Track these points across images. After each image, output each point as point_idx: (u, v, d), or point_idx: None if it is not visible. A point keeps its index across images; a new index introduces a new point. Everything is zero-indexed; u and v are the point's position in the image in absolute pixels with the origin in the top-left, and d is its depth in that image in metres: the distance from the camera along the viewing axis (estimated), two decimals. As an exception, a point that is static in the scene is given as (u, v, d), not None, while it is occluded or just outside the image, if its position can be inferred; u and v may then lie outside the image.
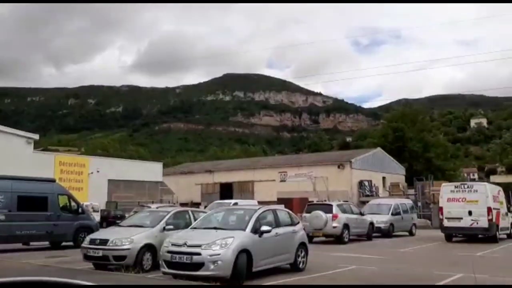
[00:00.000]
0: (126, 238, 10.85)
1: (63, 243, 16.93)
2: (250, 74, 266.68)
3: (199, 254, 8.85)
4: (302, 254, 11.27)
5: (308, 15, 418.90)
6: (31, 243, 16.70)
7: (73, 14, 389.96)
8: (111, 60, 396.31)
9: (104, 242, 10.93)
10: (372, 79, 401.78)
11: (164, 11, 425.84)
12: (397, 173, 50.56)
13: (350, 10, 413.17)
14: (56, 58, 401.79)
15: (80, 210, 17.65)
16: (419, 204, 36.41)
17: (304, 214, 20.07)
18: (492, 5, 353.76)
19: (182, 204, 38.60)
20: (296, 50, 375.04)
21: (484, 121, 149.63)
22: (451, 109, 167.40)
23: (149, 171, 44.98)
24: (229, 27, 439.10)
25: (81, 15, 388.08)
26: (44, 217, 16.01)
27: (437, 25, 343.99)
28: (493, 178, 45.45)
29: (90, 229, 16.15)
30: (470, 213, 19.31)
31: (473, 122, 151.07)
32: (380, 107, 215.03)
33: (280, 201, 34.26)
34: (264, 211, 10.85)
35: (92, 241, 11.21)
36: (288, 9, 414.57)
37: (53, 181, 18.47)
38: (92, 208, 29.78)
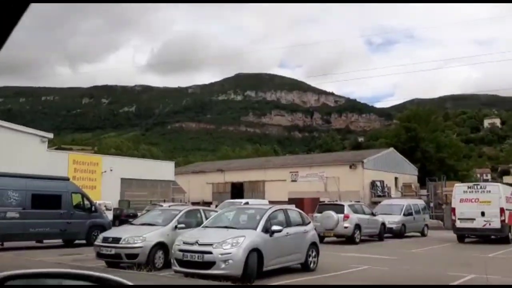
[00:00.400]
0: (138, 236, 10.95)
1: (76, 241, 17.11)
2: (262, 74, 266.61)
3: (210, 252, 8.92)
4: (313, 254, 11.28)
5: (321, 14, 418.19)
6: (44, 241, 16.90)
7: (88, 14, 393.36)
8: (125, 60, 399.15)
9: (116, 240, 11.04)
10: (385, 79, 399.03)
11: (178, 11, 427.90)
12: (409, 174, 50.21)
13: (363, 9, 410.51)
14: (70, 58, 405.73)
15: (93, 208, 17.82)
16: (432, 204, 36.15)
17: (315, 214, 20.04)
18: (506, 4, 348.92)
19: (194, 203, 38.76)
20: (308, 50, 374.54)
21: (497, 121, 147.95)
22: (465, 109, 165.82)
23: (161, 170, 45.22)
24: (242, 26, 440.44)
25: (96, 15, 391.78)
26: (57, 215, 16.19)
27: (450, 24, 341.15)
28: (506, 178, 44.95)
29: (103, 228, 16.30)
30: (483, 214, 19.15)
31: (486, 122, 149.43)
32: (393, 107, 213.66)
33: (291, 201, 34.22)
34: (275, 210, 10.88)
35: (105, 239, 11.32)
36: (301, 9, 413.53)
37: (66, 179, 18.66)
38: (105, 206, 30.01)
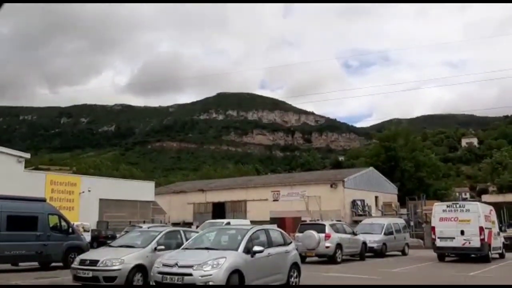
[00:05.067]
0: (116, 258, 10.74)
1: (53, 264, 16.69)
2: (243, 93, 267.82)
3: (190, 274, 8.76)
4: (295, 274, 11.20)
5: (299, 38, 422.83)
6: (20, 263, 16.44)
7: (72, 35, 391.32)
8: (106, 81, 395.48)
9: (94, 262, 10.81)
10: (363, 99, 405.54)
11: (159, 33, 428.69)
12: (389, 193, 50.61)
13: (338, 33, 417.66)
14: (51, 79, 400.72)
15: (70, 230, 17.43)
16: (412, 223, 36.39)
17: (297, 234, 19.97)
18: (477, 28, 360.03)
19: (174, 224, 38.32)
20: (288, 71, 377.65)
21: (475, 141, 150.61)
22: (442, 129, 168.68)
23: (141, 190, 44.70)
24: (223, 49, 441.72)
25: (79, 36, 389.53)
26: (34, 237, 15.80)
27: (423, 47, 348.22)
28: (484, 197, 45.59)
29: (80, 250, 15.95)
30: (462, 232, 19.31)
31: (464, 142, 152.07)
32: (372, 127, 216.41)
33: (272, 220, 34.13)
34: (257, 230, 10.80)
35: (82, 262, 11.07)
36: (279, 32, 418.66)
37: (43, 200, 18.26)
38: (83, 228, 29.45)
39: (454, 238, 19.45)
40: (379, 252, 22.46)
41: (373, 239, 22.43)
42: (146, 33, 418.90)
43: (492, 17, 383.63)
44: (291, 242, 12.01)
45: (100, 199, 40.00)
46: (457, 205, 20.34)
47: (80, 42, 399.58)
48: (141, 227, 20.84)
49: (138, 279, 10.74)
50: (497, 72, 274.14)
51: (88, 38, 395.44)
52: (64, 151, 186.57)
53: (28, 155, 37.00)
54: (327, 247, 18.87)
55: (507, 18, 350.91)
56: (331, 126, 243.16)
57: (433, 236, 20.16)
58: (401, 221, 27.75)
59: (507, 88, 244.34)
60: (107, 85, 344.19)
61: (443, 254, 20.31)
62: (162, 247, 11.37)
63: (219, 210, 48.61)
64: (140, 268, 10.81)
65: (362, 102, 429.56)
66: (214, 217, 40.91)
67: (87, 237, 26.78)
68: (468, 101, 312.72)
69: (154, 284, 9.26)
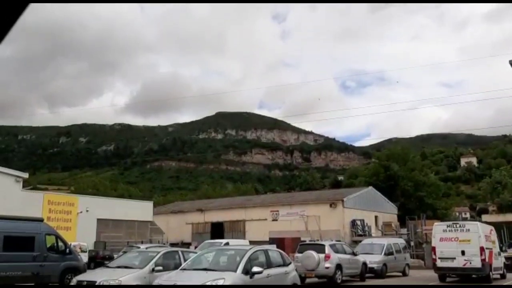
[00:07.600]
0: (114, 279, 10.63)
1: (50, 285, 16.48)
2: (242, 113, 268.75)
3: (188, 296, 8.65)
4: (294, 296, 11.06)
5: (297, 59, 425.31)
6: (16, 284, 16.22)
7: (72, 57, 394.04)
8: (105, 101, 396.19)
9: (91, 284, 10.70)
10: (362, 119, 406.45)
11: (160, 55, 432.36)
12: (389, 212, 50.33)
13: (337, 54, 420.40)
14: (51, 100, 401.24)
15: (67, 250, 17.28)
16: (412, 243, 36.13)
17: (296, 254, 19.79)
18: (473, 49, 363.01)
19: (172, 244, 37.99)
20: (286, 92, 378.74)
21: (474, 160, 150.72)
22: (441, 148, 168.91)
23: (139, 210, 44.46)
24: (222, 70, 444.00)
25: (79, 58, 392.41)
26: (30, 257, 15.64)
27: (418, 67, 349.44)
28: (484, 217, 45.40)
29: (77, 270, 15.80)
30: (463, 252, 19.15)
31: (463, 161, 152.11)
32: (371, 146, 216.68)
33: (272, 240, 33.84)
34: (256, 251, 10.71)
35: (79, 283, 10.98)
36: (277, 54, 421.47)
37: (40, 220, 18.15)
38: (80, 248, 29.19)
39: (455, 258, 19.27)
40: (380, 273, 22.25)
41: (373, 260, 22.24)
42: (145, 55, 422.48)
43: (487, 39, 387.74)
44: (290, 263, 11.90)
45: (98, 219, 39.71)
46: (457, 225, 20.20)
47: (80, 63, 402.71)
48: (139, 247, 20.67)
49: (135, 300, 10.60)
50: (494, 92, 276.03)
51: (88, 60, 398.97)
52: (63, 170, 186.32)
53: (26, 175, 36.88)
54: (327, 267, 18.67)
55: (501, 39, 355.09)
56: (330, 145, 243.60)
57: (434, 256, 19.99)
58: (401, 241, 27.56)
59: (505, 108, 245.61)
60: (106, 106, 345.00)
61: (444, 275, 20.11)
62: (160, 267, 11.27)
63: (217, 230, 48.25)
64: (137, 290, 10.68)
65: (361, 121, 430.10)
66: (212, 237, 40.61)
67: (84, 257, 26.52)
68: (466, 120, 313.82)
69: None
